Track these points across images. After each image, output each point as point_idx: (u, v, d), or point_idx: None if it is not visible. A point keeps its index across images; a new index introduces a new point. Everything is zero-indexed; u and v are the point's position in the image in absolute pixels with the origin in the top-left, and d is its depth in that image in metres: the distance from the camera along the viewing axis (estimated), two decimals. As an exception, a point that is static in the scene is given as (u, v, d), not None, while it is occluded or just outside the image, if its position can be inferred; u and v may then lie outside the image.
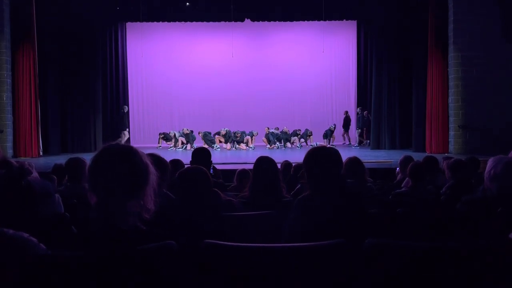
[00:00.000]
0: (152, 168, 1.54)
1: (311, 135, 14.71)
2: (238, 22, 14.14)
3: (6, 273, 1.31)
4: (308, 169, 2.37)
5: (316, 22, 14.67)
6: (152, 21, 14.47)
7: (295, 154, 11.40)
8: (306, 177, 2.38)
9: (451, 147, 11.18)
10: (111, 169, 1.46)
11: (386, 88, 13.27)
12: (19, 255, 1.34)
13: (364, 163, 4.34)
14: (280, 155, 11.36)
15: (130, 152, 1.52)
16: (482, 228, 2.39)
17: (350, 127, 15.27)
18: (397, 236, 2.54)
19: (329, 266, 1.71)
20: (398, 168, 5.46)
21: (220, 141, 14.11)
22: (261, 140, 14.47)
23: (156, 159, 2.69)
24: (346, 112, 15.34)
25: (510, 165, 2.45)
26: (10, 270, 1.31)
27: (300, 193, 2.96)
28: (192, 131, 14.02)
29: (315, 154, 2.40)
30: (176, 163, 4.19)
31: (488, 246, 1.69)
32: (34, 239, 1.42)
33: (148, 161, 1.54)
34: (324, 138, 14.80)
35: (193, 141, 13.88)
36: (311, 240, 1.76)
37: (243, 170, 4.54)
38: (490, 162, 2.53)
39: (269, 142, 14.17)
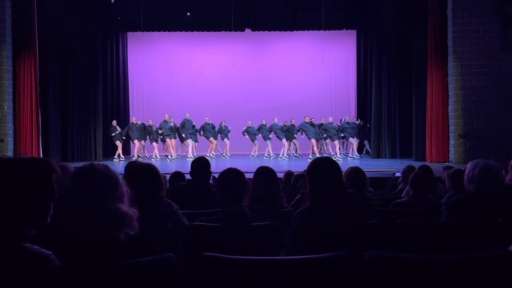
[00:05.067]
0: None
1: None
2: (238, 31, 14.22)
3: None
4: (311, 180, 2.36)
5: (316, 31, 14.74)
6: (153, 30, 14.57)
7: (294, 164, 11.40)
8: (309, 188, 2.37)
9: (452, 156, 11.16)
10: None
11: (386, 97, 13.29)
12: (40, 272, 1.34)
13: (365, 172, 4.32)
14: (280, 164, 11.35)
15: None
16: (482, 239, 2.38)
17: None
18: (398, 247, 2.53)
19: (329, 279, 1.69)
20: (400, 178, 5.44)
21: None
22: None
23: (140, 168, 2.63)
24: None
25: (484, 168, 2.76)
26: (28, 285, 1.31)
27: (300, 203, 2.95)
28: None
29: (319, 165, 2.39)
30: (177, 175, 4.18)
31: (489, 258, 1.68)
32: (55, 257, 1.42)
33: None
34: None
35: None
36: (311, 252, 1.75)
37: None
38: (468, 166, 2.87)
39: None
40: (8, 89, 10.94)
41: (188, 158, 13.11)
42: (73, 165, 3.69)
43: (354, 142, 13.32)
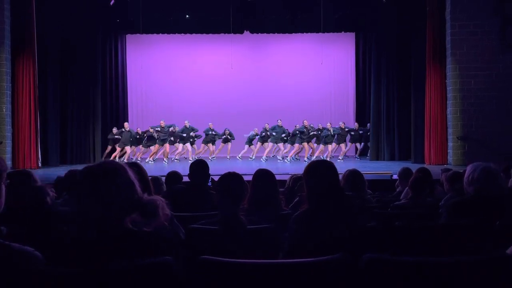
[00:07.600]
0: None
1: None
2: (237, 34, 14.23)
3: (8, 286, 1.31)
4: (308, 183, 2.36)
5: (314, 34, 14.75)
6: (152, 33, 14.58)
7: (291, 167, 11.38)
8: (307, 190, 2.37)
9: (450, 158, 11.17)
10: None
11: (385, 99, 13.30)
12: (22, 269, 1.34)
13: (363, 175, 4.32)
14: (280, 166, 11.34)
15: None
16: (481, 242, 2.38)
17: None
18: (397, 249, 2.52)
19: (327, 282, 1.69)
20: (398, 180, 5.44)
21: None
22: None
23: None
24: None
25: (485, 171, 2.77)
26: (13, 283, 1.31)
27: (299, 205, 2.95)
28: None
29: (318, 167, 2.39)
30: (174, 175, 4.17)
31: (488, 261, 1.68)
32: (38, 254, 1.41)
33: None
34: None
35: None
36: (310, 254, 1.74)
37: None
38: (468, 168, 2.88)
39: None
40: (6, 91, 10.93)
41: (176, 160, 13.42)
42: (72, 167, 3.67)
43: (329, 147, 13.41)
